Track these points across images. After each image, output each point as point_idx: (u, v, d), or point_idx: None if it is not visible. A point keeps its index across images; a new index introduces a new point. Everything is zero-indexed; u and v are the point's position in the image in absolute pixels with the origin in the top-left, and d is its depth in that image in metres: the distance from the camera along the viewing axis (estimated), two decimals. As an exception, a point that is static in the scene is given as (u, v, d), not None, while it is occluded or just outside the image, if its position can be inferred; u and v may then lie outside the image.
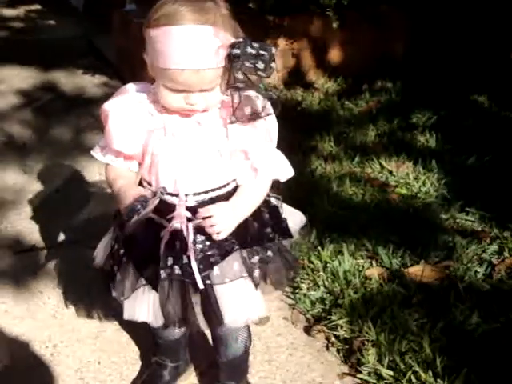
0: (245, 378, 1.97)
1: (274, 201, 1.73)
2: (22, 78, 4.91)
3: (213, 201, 1.62)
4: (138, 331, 2.22)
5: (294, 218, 1.81)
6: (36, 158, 3.60)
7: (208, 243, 1.62)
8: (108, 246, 1.77)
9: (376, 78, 4.55)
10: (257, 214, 1.68)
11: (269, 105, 1.52)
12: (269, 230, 1.69)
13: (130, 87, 1.63)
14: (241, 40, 1.44)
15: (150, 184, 1.64)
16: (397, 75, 4.53)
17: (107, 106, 1.60)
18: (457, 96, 4.16)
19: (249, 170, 1.62)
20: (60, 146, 3.76)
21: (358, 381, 2.06)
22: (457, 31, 4.66)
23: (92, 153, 1.71)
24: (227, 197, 1.63)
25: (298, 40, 4.55)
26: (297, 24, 4.49)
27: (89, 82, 4.84)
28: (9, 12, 7.19)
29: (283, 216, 1.74)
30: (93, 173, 3.39)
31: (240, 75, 1.44)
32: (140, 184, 1.68)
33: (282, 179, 1.67)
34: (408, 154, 3.43)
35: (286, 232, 1.73)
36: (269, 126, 1.59)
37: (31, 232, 2.87)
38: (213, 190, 1.62)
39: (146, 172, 1.64)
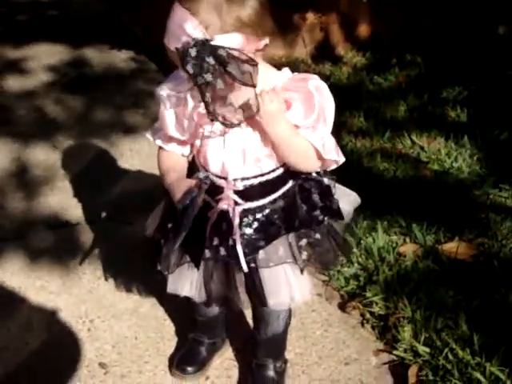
0: (282, 356, 1.99)
1: (326, 181, 1.70)
2: (50, 54, 4.90)
3: (262, 186, 1.63)
4: (173, 307, 2.25)
5: (349, 199, 1.80)
6: (66, 134, 3.60)
7: (254, 227, 1.63)
8: (158, 219, 1.78)
9: (405, 52, 4.50)
10: (306, 196, 1.67)
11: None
12: (318, 212, 1.67)
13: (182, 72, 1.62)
14: (194, 40, 1.38)
15: (200, 165, 1.66)
16: (426, 49, 4.48)
17: (160, 90, 1.60)
18: (488, 70, 4.09)
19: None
20: (90, 123, 3.76)
21: (394, 357, 2.07)
22: (488, 2, 4.59)
23: (147, 135, 1.73)
24: (277, 181, 1.64)
25: (327, 14, 4.51)
26: (326, -3, 4.46)
27: (116, 58, 4.82)
28: (35, -13, 7.19)
29: (335, 197, 1.72)
30: (123, 148, 3.40)
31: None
32: (193, 163, 1.69)
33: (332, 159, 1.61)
34: (439, 130, 3.40)
35: (336, 214, 1.71)
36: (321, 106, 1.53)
37: (64, 208, 2.90)
38: (262, 175, 1.62)
39: (196, 152, 1.66)
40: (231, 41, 1.41)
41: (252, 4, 1.45)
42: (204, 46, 1.38)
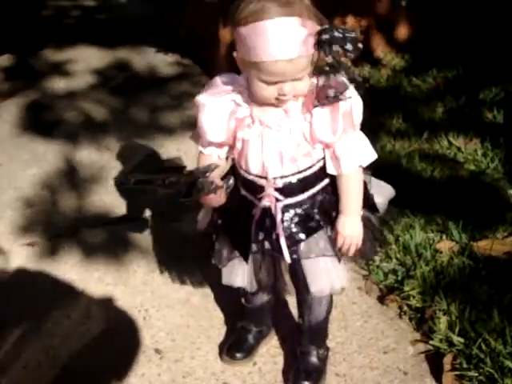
0: (325, 343, 2.13)
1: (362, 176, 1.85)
2: (96, 57, 5.06)
3: (300, 182, 1.77)
4: (223, 298, 2.42)
5: (383, 191, 1.95)
6: (115, 136, 3.76)
7: (295, 221, 1.79)
8: (209, 214, 1.95)
9: (443, 54, 4.58)
10: None
11: (352, 88, 1.62)
12: None
13: (219, 79, 1.75)
14: (327, 26, 1.53)
15: (241, 167, 1.80)
16: (464, 51, 4.55)
17: (199, 98, 1.73)
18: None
19: (331, 158, 1.75)
20: (138, 125, 3.91)
21: (430, 347, 2.20)
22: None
23: (190, 138, 1.87)
24: (314, 177, 1.78)
25: (366, 17, 4.61)
26: (365, 1, 4.56)
27: (161, 61, 4.97)
28: (80, -10, 7.40)
29: (371, 191, 1.88)
30: (171, 149, 3.55)
31: (329, 59, 1.53)
32: (234, 167, 1.85)
33: (364, 164, 1.77)
34: (476, 131, 3.48)
35: (371, 207, 1.88)
36: (352, 109, 1.67)
37: (117, 205, 3.07)
38: (299, 172, 1.76)
39: (237, 156, 1.79)
40: None
41: None
42: (334, 29, 1.52)
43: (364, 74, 4.41)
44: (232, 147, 1.80)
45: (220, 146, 1.80)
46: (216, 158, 1.82)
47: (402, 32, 4.77)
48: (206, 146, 1.81)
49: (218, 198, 1.72)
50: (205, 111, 1.72)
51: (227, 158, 1.85)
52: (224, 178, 1.80)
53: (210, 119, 1.72)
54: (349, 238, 1.80)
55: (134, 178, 1.66)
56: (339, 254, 1.84)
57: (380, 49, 4.74)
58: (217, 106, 1.71)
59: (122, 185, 1.60)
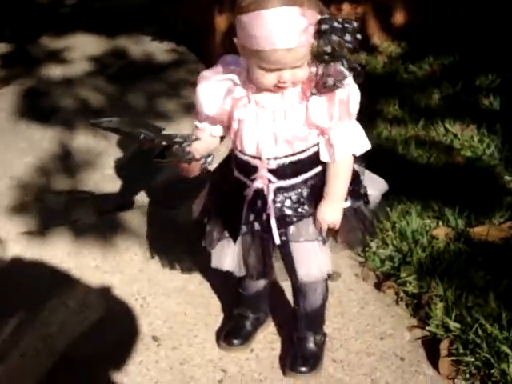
0: (321, 329, 2.14)
1: (356, 167, 1.86)
2: (93, 45, 5.03)
3: (294, 164, 1.78)
4: (219, 286, 2.42)
5: (377, 185, 1.96)
6: (113, 123, 3.76)
7: (286, 204, 1.81)
8: (203, 200, 1.97)
9: (439, 41, 4.57)
10: None
11: (350, 77, 1.63)
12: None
13: (225, 59, 1.78)
14: (327, 16, 1.55)
15: (236, 148, 1.82)
16: (460, 37, 4.54)
17: (202, 72, 1.77)
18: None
19: (325, 145, 1.76)
20: (134, 112, 3.90)
21: (427, 333, 2.21)
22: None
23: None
24: (308, 162, 1.79)
25: (362, 4, 4.59)
26: (361, -12, 4.55)
27: (157, 49, 4.94)
28: (76, -21, 7.35)
29: (363, 183, 1.89)
30: (166, 136, 3.54)
31: (328, 49, 1.55)
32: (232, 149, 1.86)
33: (358, 153, 1.79)
34: (472, 117, 3.48)
35: (362, 197, 1.89)
36: (349, 98, 1.68)
37: (115, 192, 3.08)
38: (293, 155, 1.77)
39: (233, 136, 1.81)
40: None
41: None
42: (334, 19, 1.55)
43: (360, 61, 4.40)
44: (228, 127, 1.81)
45: (213, 122, 1.81)
46: (208, 134, 1.84)
47: (399, 19, 4.75)
48: (201, 120, 1.83)
49: (190, 169, 1.72)
50: (203, 84, 1.76)
51: (222, 139, 1.87)
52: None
53: (206, 91, 1.75)
54: (328, 223, 1.81)
55: (109, 125, 1.64)
56: (326, 239, 1.86)
57: (376, 36, 4.72)
58: (215, 80, 1.74)
59: (93, 125, 1.60)
